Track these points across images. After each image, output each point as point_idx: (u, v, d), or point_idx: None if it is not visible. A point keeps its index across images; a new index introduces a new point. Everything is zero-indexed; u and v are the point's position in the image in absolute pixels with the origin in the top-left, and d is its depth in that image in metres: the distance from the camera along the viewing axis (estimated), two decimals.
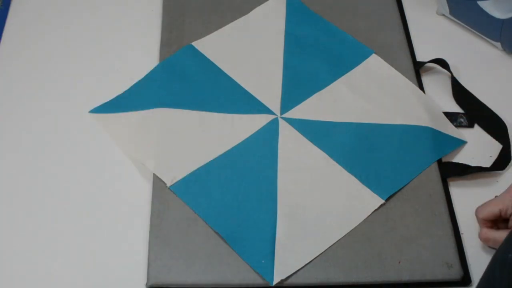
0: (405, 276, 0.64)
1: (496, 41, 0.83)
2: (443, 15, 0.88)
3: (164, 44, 0.81)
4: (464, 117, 0.77)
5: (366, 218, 0.68)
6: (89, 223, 0.67)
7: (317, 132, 0.73)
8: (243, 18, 0.84)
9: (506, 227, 0.66)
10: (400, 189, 0.70)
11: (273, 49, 0.81)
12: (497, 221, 0.66)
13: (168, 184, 0.68)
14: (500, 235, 0.65)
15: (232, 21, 0.84)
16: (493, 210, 0.65)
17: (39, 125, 0.74)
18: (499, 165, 0.73)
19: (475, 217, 0.69)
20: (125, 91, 0.77)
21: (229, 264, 0.64)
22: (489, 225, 0.67)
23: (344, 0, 0.87)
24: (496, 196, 0.68)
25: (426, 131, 0.74)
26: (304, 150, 0.72)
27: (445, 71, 0.81)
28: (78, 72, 0.79)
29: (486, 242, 0.67)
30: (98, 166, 0.71)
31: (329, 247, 0.65)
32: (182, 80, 0.77)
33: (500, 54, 0.85)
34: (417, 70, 0.81)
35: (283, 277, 0.63)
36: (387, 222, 0.68)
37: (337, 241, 0.66)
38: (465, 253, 0.67)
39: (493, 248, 0.66)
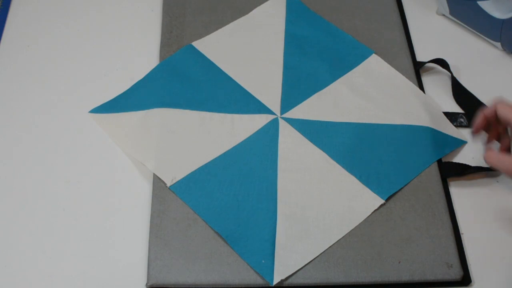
0: (405, 276, 0.64)
1: (496, 41, 0.83)
2: (443, 15, 0.88)
3: (164, 44, 0.81)
4: (464, 117, 0.77)
5: (366, 218, 0.68)
6: (89, 223, 0.67)
7: (317, 132, 0.73)
8: (243, 18, 0.84)
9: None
10: (400, 189, 0.70)
11: (273, 49, 0.81)
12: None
13: (168, 184, 0.68)
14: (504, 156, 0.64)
15: (232, 21, 0.84)
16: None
17: (38, 125, 0.74)
18: None
19: (475, 217, 0.69)
20: (125, 91, 0.77)
21: (229, 264, 0.64)
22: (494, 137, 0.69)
23: (344, 0, 0.87)
24: None
25: (426, 131, 0.74)
26: (304, 150, 0.72)
27: (445, 71, 0.81)
28: (78, 72, 0.79)
29: (490, 162, 0.64)
30: (98, 166, 0.71)
31: (329, 247, 0.65)
32: (182, 80, 0.77)
33: (500, 54, 0.85)
34: (417, 70, 0.81)
35: (283, 277, 0.63)
36: (387, 222, 0.68)
37: (337, 241, 0.66)
38: (465, 253, 0.67)
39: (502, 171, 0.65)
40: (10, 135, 0.74)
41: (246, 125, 0.73)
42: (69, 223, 0.67)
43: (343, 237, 0.66)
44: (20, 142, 0.73)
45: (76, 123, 0.75)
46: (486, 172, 0.72)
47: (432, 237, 0.67)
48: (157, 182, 0.69)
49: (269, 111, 0.75)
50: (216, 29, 0.83)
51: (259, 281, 0.63)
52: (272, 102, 0.76)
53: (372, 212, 0.68)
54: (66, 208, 0.68)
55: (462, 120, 0.77)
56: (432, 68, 0.82)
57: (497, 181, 0.73)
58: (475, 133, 0.70)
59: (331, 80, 0.78)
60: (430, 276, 0.64)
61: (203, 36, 0.82)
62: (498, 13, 0.79)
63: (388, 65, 0.80)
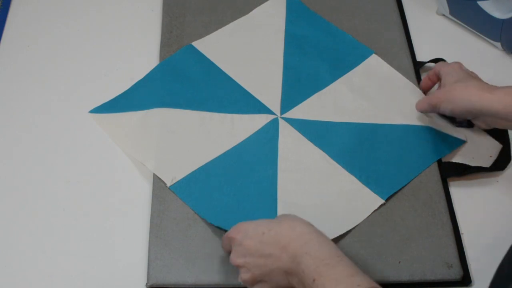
0: (405, 276, 0.64)
1: (496, 41, 0.83)
2: (443, 15, 0.88)
3: (164, 44, 0.81)
4: None
5: (366, 218, 0.68)
6: (89, 223, 0.67)
7: (317, 132, 0.73)
8: (243, 18, 0.84)
9: None
10: (400, 189, 0.70)
11: (273, 49, 0.81)
12: None
13: (168, 184, 0.68)
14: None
15: (232, 21, 0.84)
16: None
17: (38, 125, 0.74)
18: (499, 165, 0.73)
19: (475, 217, 0.69)
20: (125, 91, 0.77)
21: (229, 264, 0.64)
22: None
23: (344, 0, 0.87)
24: None
25: (426, 130, 0.74)
26: (304, 150, 0.72)
27: None
28: (78, 72, 0.79)
29: (419, 108, 0.73)
30: (98, 167, 0.71)
31: None
32: (182, 80, 0.77)
33: (500, 54, 0.85)
34: (417, 70, 0.81)
35: None
36: (387, 222, 0.68)
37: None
38: (465, 253, 0.67)
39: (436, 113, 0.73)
40: (10, 135, 0.74)
41: (246, 125, 0.73)
42: (69, 223, 0.67)
43: (343, 237, 0.66)
44: (20, 142, 0.73)
45: (76, 123, 0.75)
46: (486, 172, 0.72)
47: (432, 237, 0.67)
48: (157, 182, 0.69)
49: (269, 111, 0.75)
50: (216, 29, 0.83)
51: None
52: (272, 102, 0.76)
53: (372, 212, 0.68)
54: (66, 208, 0.68)
55: (462, 120, 0.77)
56: (432, 68, 0.82)
57: (497, 181, 0.73)
58: (421, 89, 0.78)
59: (331, 80, 0.78)
60: (430, 276, 0.64)
61: (203, 36, 0.82)
62: (498, 13, 0.79)
63: (388, 65, 0.80)
